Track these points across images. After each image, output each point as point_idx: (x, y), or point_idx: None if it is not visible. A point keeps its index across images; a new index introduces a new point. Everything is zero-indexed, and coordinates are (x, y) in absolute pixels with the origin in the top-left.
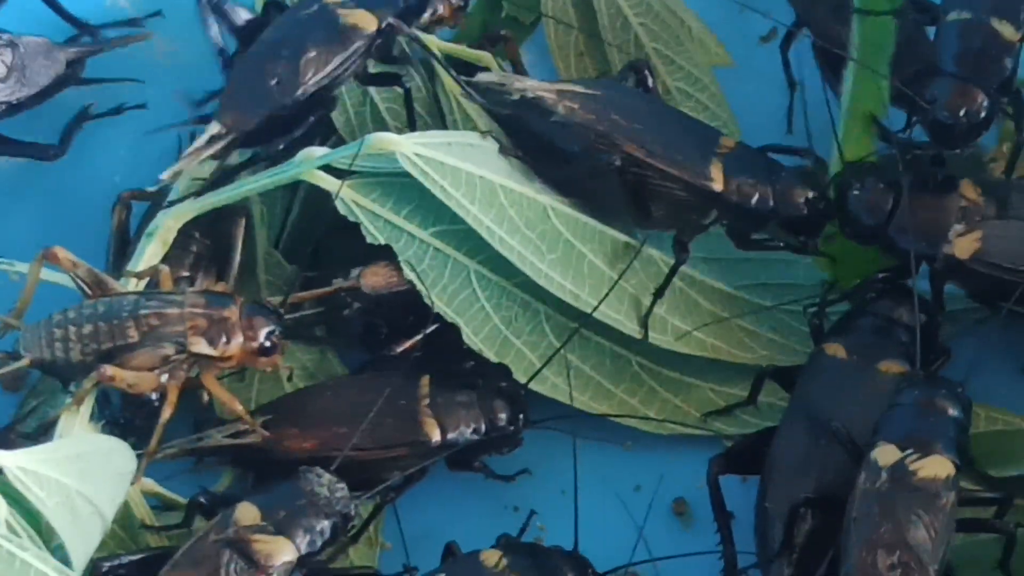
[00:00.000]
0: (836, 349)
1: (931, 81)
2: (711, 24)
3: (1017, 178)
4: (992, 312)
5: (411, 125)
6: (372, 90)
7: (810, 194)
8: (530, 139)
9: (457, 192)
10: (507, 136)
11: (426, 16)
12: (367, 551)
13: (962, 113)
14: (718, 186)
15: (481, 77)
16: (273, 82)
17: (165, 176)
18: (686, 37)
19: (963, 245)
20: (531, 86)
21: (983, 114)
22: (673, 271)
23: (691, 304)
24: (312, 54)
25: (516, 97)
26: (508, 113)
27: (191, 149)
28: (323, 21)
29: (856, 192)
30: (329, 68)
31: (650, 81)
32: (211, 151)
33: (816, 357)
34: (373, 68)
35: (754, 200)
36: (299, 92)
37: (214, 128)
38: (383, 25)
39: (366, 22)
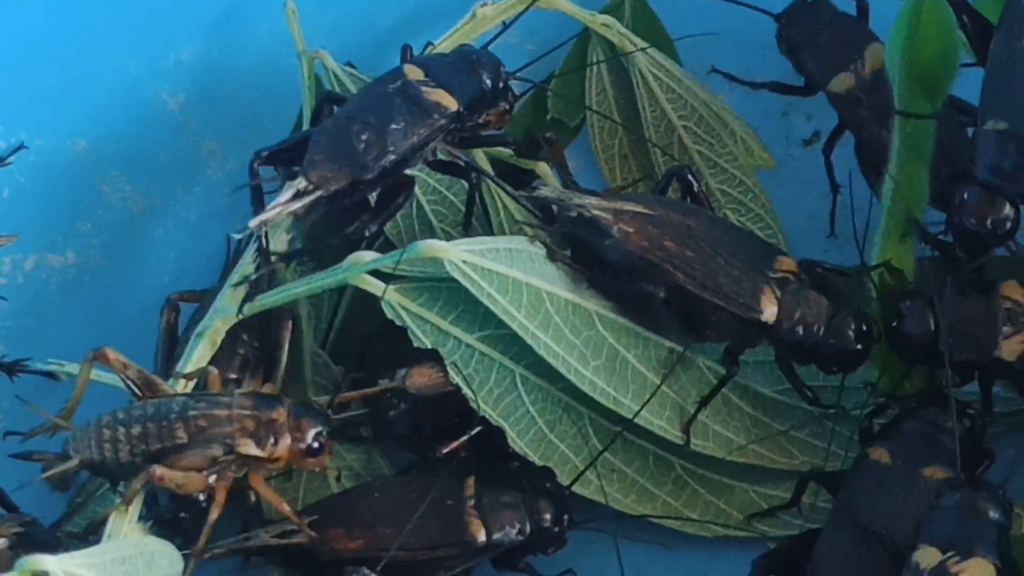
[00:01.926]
0: (880, 454)
1: (962, 187)
2: (753, 127)
3: None
4: None
5: (467, 223)
6: (418, 192)
7: (860, 330)
8: (585, 252)
9: (503, 298)
10: (557, 243)
11: (475, 119)
12: None
13: (988, 222)
14: (768, 318)
15: (541, 192)
16: (360, 146)
17: (252, 225)
18: (729, 139)
19: (1010, 348)
20: (589, 203)
21: (1008, 225)
22: (721, 384)
23: (733, 409)
24: (398, 124)
25: (574, 214)
26: (565, 229)
27: (276, 202)
28: (408, 95)
29: (902, 322)
30: (413, 140)
31: (695, 187)
32: (295, 206)
33: (860, 462)
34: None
35: (803, 334)
36: (384, 160)
37: (300, 183)
38: (462, 109)
39: (448, 101)
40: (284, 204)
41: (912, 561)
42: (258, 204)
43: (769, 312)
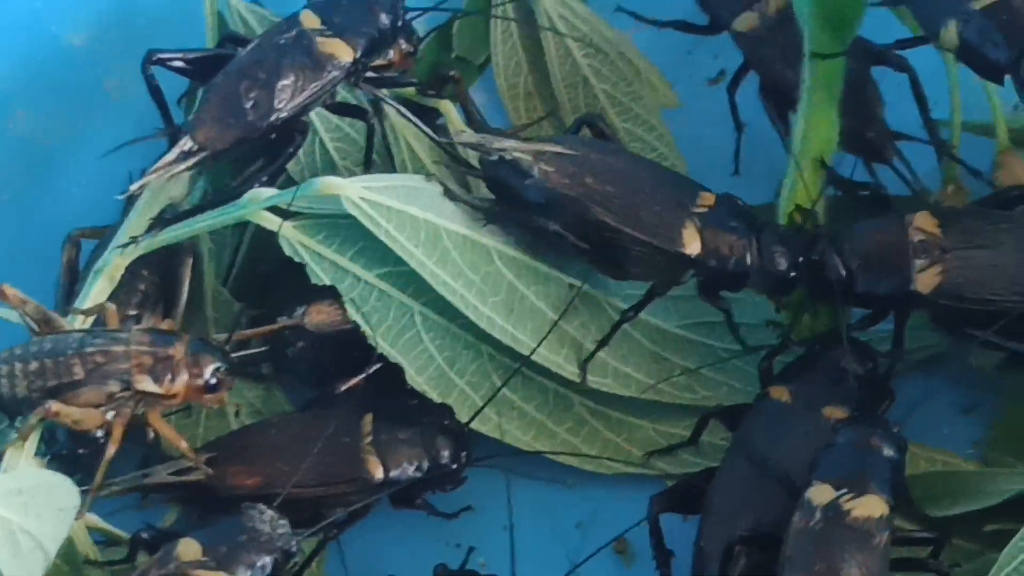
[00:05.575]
0: (781, 393)
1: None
2: (659, 66)
3: (974, 205)
4: (939, 348)
5: (367, 161)
6: (321, 130)
7: (789, 255)
8: (509, 194)
9: (401, 235)
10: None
11: (377, 61)
12: None
13: None
14: (692, 251)
15: (462, 138)
16: (248, 104)
17: (133, 188)
18: (635, 78)
19: (925, 280)
20: (510, 146)
21: None
22: (620, 323)
23: (633, 345)
24: (288, 79)
25: (495, 158)
26: (487, 173)
27: (161, 162)
28: (301, 47)
29: (813, 262)
30: (304, 95)
31: (606, 132)
32: (181, 167)
33: (761, 401)
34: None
35: (731, 264)
36: (273, 117)
37: (186, 143)
38: (359, 56)
39: (343, 52)
40: (169, 164)
41: (805, 498)
42: (161, 105)
43: (693, 246)
